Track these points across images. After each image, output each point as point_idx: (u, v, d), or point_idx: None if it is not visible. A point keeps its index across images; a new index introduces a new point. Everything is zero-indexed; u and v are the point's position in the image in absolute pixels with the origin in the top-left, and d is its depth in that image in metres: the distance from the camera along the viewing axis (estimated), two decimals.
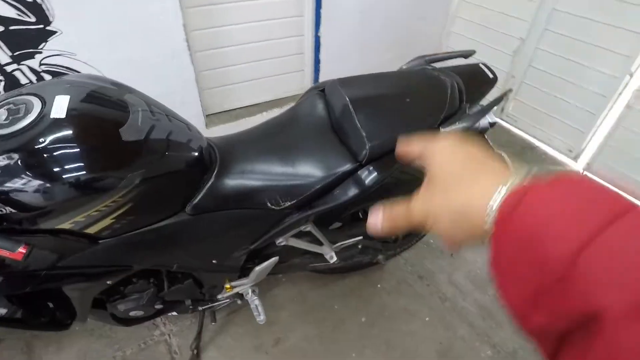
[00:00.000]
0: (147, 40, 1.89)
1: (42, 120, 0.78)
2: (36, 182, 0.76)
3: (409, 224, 0.39)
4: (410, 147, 0.44)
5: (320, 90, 1.19)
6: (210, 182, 0.99)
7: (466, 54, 1.23)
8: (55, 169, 0.77)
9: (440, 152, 0.39)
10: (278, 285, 1.74)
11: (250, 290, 1.37)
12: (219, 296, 1.34)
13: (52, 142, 0.77)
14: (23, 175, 0.76)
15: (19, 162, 0.75)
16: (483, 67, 1.17)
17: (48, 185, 0.77)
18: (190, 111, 2.17)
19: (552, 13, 2.33)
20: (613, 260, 0.25)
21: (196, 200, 0.97)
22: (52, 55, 1.77)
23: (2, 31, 1.65)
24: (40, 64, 1.78)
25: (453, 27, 2.94)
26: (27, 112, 0.80)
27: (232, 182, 1.01)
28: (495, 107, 1.13)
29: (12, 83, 1.76)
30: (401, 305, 1.68)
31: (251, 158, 1.05)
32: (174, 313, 1.38)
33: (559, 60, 2.40)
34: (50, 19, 1.69)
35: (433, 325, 1.63)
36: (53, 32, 1.72)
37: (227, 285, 1.29)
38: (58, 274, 0.94)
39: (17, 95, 0.84)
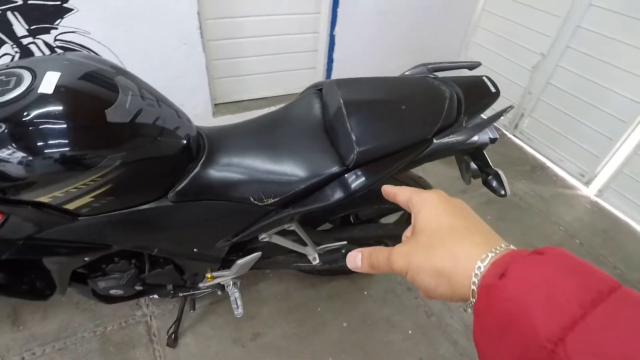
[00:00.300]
0: (160, 24, 1.90)
1: (29, 94, 0.79)
2: (16, 154, 0.77)
3: (389, 271, 0.39)
4: (397, 194, 0.44)
5: (318, 89, 1.17)
6: (195, 171, 0.99)
7: (471, 66, 1.19)
8: (36, 143, 0.78)
9: (428, 206, 0.39)
10: (264, 280, 1.74)
11: (231, 283, 1.37)
12: (200, 285, 1.34)
13: (36, 116, 0.77)
14: (5, 146, 0.77)
15: (3, 133, 0.76)
16: (486, 80, 1.13)
17: (28, 157, 0.78)
18: (198, 98, 2.19)
19: (576, 30, 2.27)
20: (598, 345, 0.24)
21: (179, 187, 0.97)
22: (67, 32, 1.80)
23: (20, 4, 1.69)
24: (55, 40, 1.81)
25: (473, 37, 2.88)
26: (17, 84, 0.81)
27: (217, 173, 1.00)
28: (494, 123, 1.09)
29: (26, 55, 1.80)
30: (385, 315, 1.66)
31: (239, 151, 1.04)
32: (156, 296, 1.39)
33: (579, 80, 2.33)
34: None
35: (415, 339, 1.60)
36: (69, 10, 1.75)
37: (209, 275, 1.29)
38: (36, 245, 0.95)
39: (12, 68, 0.85)
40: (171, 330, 1.48)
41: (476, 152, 1.18)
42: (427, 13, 2.64)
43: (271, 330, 1.58)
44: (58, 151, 0.79)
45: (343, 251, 1.37)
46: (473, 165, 1.19)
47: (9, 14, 1.69)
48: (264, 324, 1.60)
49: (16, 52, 1.78)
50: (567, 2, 2.26)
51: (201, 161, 1.00)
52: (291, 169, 1.01)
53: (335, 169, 1.00)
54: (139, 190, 0.95)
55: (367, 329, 1.61)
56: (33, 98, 0.78)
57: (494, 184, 1.15)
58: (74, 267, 1.08)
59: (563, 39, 2.34)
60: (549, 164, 2.65)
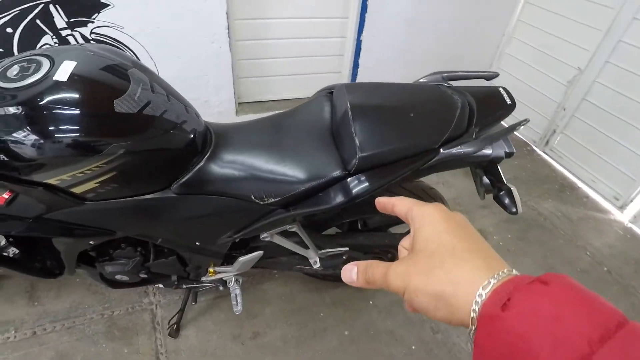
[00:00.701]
0: (190, 23, 1.96)
1: (45, 80, 0.82)
2: (30, 136, 0.81)
3: (385, 289, 0.38)
4: (395, 205, 0.42)
5: (330, 92, 1.17)
6: (199, 165, 1.00)
7: (488, 76, 1.15)
8: (47, 127, 0.81)
9: (428, 223, 0.37)
10: (270, 280, 1.75)
11: (233, 279, 1.38)
12: (203, 278, 1.36)
13: (48, 101, 0.81)
14: (18, 128, 0.80)
15: (17, 115, 0.80)
16: (502, 91, 1.09)
17: (39, 140, 0.81)
18: (222, 96, 2.23)
19: (618, 45, 2.16)
20: None
21: (182, 180, 0.99)
22: (102, 26, 1.88)
23: None
24: (91, 33, 1.89)
25: (507, 48, 2.79)
26: (35, 71, 0.85)
27: (220, 169, 1.02)
28: (508, 136, 1.05)
29: None
30: (389, 327, 1.63)
31: (244, 149, 1.05)
32: (160, 285, 1.42)
33: (618, 97, 2.21)
34: None
35: (418, 355, 1.55)
36: (106, 5, 1.83)
37: (211, 270, 1.31)
38: (44, 224, 0.99)
39: (34, 55, 0.89)
40: (173, 321, 1.51)
41: (490, 165, 1.14)
42: (459, 22, 2.58)
43: (271, 330, 1.58)
44: (66, 136, 0.82)
45: (344, 257, 1.35)
46: (485, 180, 1.15)
47: (51, 7, 1.79)
48: (265, 323, 1.60)
49: (55, 43, 1.88)
50: (609, 15, 2.16)
51: (206, 156, 1.02)
52: (293, 170, 1.01)
53: (337, 172, 0.99)
54: (142, 179, 0.97)
55: (368, 339, 1.58)
56: (48, 84, 0.82)
57: (506, 200, 1.10)
58: (80, 249, 1.12)
59: (603, 54, 2.23)
60: (579, 184, 2.52)
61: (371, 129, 0.98)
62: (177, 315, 1.53)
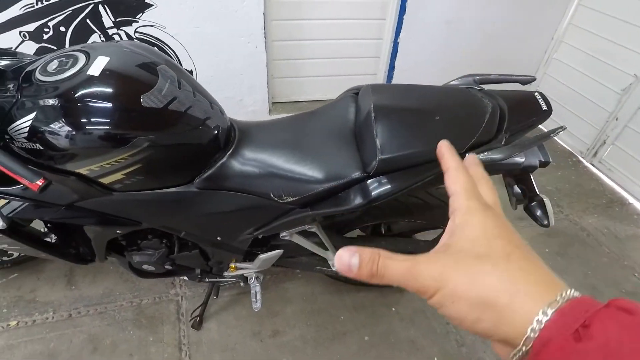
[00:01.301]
0: (227, 23, 2.01)
1: (79, 74, 0.87)
2: (63, 127, 0.85)
3: (398, 285, 0.31)
4: (450, 175, 0.35)
5: (356, 92, 1.15)
6: (221, 161, 1.02)
7: (524, 81, 1.09)
8: (79, 118, 0.86)
9: (480, 222, 0.31)
10: (292, 279, 1.75)
11: (254, 276, 1.39)
12: (225, 273, 1.38)
13: (81, 95, 0.85)
14: (55, 119, 0.85)
15: (54, 107, 0.85)
16: (538, 96, 1.02)
17: (71, 131, 0.86)
18: (256, 95, 2.27)
19: None
20: None
21: (205, 175, 1.01)
22: (146, 26, 1.97)
23: None
24: (135, 32, 1.99)
25: (556, 53, 2.64)
26: (72, 65, 0.89)
27: (242, 166, 1.03)
28: (541, 143, 0.99)
29: None
30: (411, 336, 1.58)
31: (266, 147, 1.06)
32: (185, 278, 1.46)
33: None
34: None
35: None
36: (150, 5, 1.92)
37: (232, 265, 1.33)
38: (76, 212, 1.04)
39: (73, 50, 0.94)
40: (196, 313, 1.55)
41: (522, 174, 1.08)
42: (504, 25, 2.48)
43: (291, 330, 1.58)
44: (96, 128, 0.86)
45: None
46: (517, 189, 1.09)
47: (100, 7, 1.90)
48: (285, 322, 1.60)
49: (102, 41, 1.99)
50: None
51: (229, 152, 1.03)
52: (312, 170, 1.00)
53: (357, 174, 0.97)
54: (166, 173, 1.00)
55: (388, 347, 1.54)
56: (82, 79, 0.86)
57: (537, 212, 1.04)
58: (108, 237, 1.17)
59: None
60: (631, 200, 2.34)
61: (393, 131, 0.96)
62: (200, 308, 1.56)
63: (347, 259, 0.31)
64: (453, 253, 0.30)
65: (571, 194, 2.33)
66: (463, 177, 0.35)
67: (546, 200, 1.04)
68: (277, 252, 1.27)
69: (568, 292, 0.26)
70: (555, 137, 1.01)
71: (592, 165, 2.53)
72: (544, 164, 1.05)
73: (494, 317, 0.27)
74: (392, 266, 0.30)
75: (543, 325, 0.25)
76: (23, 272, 1.72)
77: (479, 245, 0.30)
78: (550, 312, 0.25)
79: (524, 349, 0.25)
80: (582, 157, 2.59)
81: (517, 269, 0.28)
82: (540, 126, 1.10)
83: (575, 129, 2.57)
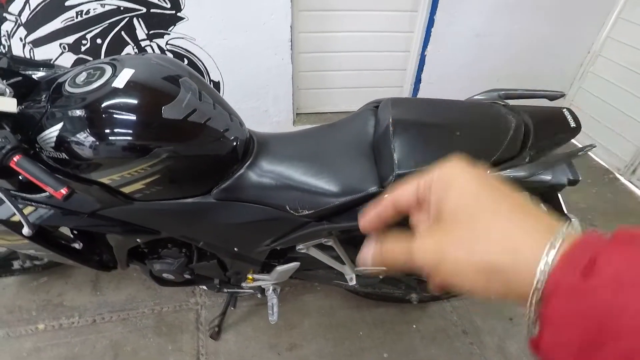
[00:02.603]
0: (255, 35, 2.05)
1: (105, 86, 0.90)
2: (88, 137, 0.88)
3: (408, 267, 0.31)
4: (397, 198, 0.34)
5: (376, 106, 1.14)
6: (239, 173, 1.03)
7: (551, 96, 1.05)
8: (102, 129, 0.88)
9: (458, 185, 0.30)
10: (311, 292, 1.73)
11: (271, 288, 1.38)
12: (243, 284, 1.38)
13: (105, 106, 0.88)
14: (80, 129, 0.88)
15: (80, 118, 0.88)
16: (566, 113, 0.98)
17: (95, 141, 0.88)
18: (280, 106, 2.29)
19: None
20: None
21: (222, 186, 1.02)
22: (177, 38, 2.04)
23: (144, 12, 1.96)
24: (167, 44, 2.05)
25: (592, 67, 2.53)
26: (99, 77, 0.92)
27: (259, 177, 1.03)
28: (571, 160, 0.94)
29: None
30: (432, 355, 1.52)
31: (283, 159, 1.06)
32: (204, 287, 1.47)
33: None
34: (182, 6, 1.95)
35: None
36: (181, 18, 1.98)
37: (250, 276, 1.33)
38: (98, 220, 1.07)
39: (101, 63, 0.98)
40: (215, 323, 1.55)
41: (549, 192, 1.03)
42: (537, 38, 2.40)
43: (308, 343, 1.55)
44: (118, 138, 0.88)
45: (381, 277, 1.30)
46: (543, 208, 1.04)
47: (135, 20, 1.98)
48: (302, 336, 1.58)
49: (135, 53, 2.07)
50: None
51: (246, 164, 1.03)
52: (328, 183, 0.99)
53: (373, 189, 0.96)
54: (185, 183, 1.01)
55: None
56: (107, 91, 0.89)
57: None
58: (129, 245, 1.20)
59: None
60: None
61: (412, 146, 0.94)
62: (218, 318, 1.57)
63: (367, 247, 0.34)
64: (442, 225, 0.30)
65: (606, 212, 2.20)
66: (401, 187, 0.34)
67: (574, 220, 0.98)
68: (294, 265, 1.25)
69: (565, 230, 0.25)
70: (590, 153, 0.95)
71: (631, 182, 2.39)
72: (572, 182, 1.00)
73: (501, 278, 0.26)
74: (395, 249, 0.31)
75: (547, 275, 0.24)
76: (52, 276, 1.78)
77: (465, 208, 0.29)
78: (551, 259, 0.24)
79: (534, 302, 0.24)
80: (620, 174, 2.45)
81: (509, 222, 0.27)
82: (573, 141, 1.05)
83: (612, 145, 2.45)
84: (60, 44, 2.01)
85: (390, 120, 0.96)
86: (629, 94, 2.32)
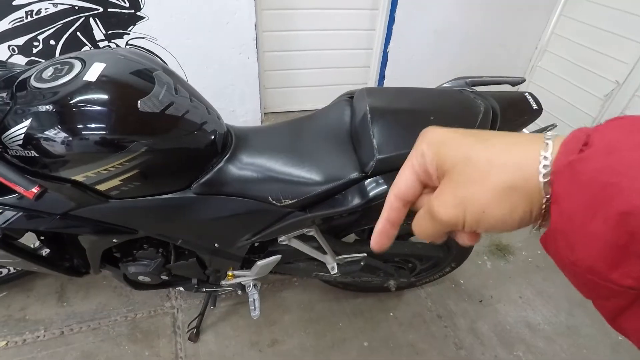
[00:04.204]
0: (219, 34, 2.03)
1: (76, 80, 0.87)
2: (59, 133, 0.84)
3: (438, 231, 0.31)
4: (395, 198, 0.35)
5: (350, 97, 1.17)
6: (218, 166, 1.02)
7: (514, 82, 1.12)
8: (76, 124, 0.85)
9: (446, 136, 0.31)
10: (289, 288, 1.73)
11: (251, 284, 1.38)
12: (222, 282, 1.37)
13: (78, 100, 0.85)
14: (50, 126, 0.84)
15: (49, 113, 0.84)
16: (529, 96, 1.06)
17: (67, 137, 0.85)
18: (247, 106, 2.28)
19: None
20: None
21: (202, 180, 1.01)
22: (137, 38, 1.98)
23: (101, 12, 1.89)
24: (127, 44, 1.99)
25: (540, 62, 2.72)
26: (68, 72, 0.89)
27: (239, 170, 1.03)
28: None
29: None
30: (410, 340, 1.57)
31: (263, 151, 1.06)
32: (181, 289, 1.44)
33: None
34: (141, 6, 1.90)
35: None
36: (141, 18, 1.93)
37: (230, 273, 1.31)
38: (71, 221, 1.03)
39: (68, 58, 0.94)
40: (193, 325, 1.52)
41: None
42: (490, 35, 2.55)
43: (290, 338, 1.55)
44: (92, 133, 0.86)
45: (362, 264, 1.33)
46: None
47: (91, 20, 1.90)
48: (283, 331, 1.58)
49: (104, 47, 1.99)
50: None
51: (226, 157, 1.03)
52: (310, 172, 1.01)
53: (354, 175, 0.98)
54: (163, 178, 0.99)
55: (388, 352, 1.53)
56: (78, 84, 0.86)
57: None
58: (104, 247, 1.15)
59: None
60: None
61: (390, 132, 0.97)
62: (197, 320, 1.53)
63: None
64: (447, 177, 0.30)
65: None
66: (398, 181, 0.35)
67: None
68: (275, 258, 1.26)
69: (552, 133, 0.27)
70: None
71: None
72: None
73: (520, 194, 0.27)
74: (424, 220, 0.32)
75: (551, 163, 0.26)
76: (12, 290, 1.67)
77: (462, 158, 0.30)
78: (550, 152, 0.26)
79: (547, 196, 0.26)
80: None
81: (503, 146, 0.28)
82: (537, 121, 1.12)
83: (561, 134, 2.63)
84: (9, 46, 1.90)
85: (368, 108, 0.99)
86: (574, 87, 2.51)
